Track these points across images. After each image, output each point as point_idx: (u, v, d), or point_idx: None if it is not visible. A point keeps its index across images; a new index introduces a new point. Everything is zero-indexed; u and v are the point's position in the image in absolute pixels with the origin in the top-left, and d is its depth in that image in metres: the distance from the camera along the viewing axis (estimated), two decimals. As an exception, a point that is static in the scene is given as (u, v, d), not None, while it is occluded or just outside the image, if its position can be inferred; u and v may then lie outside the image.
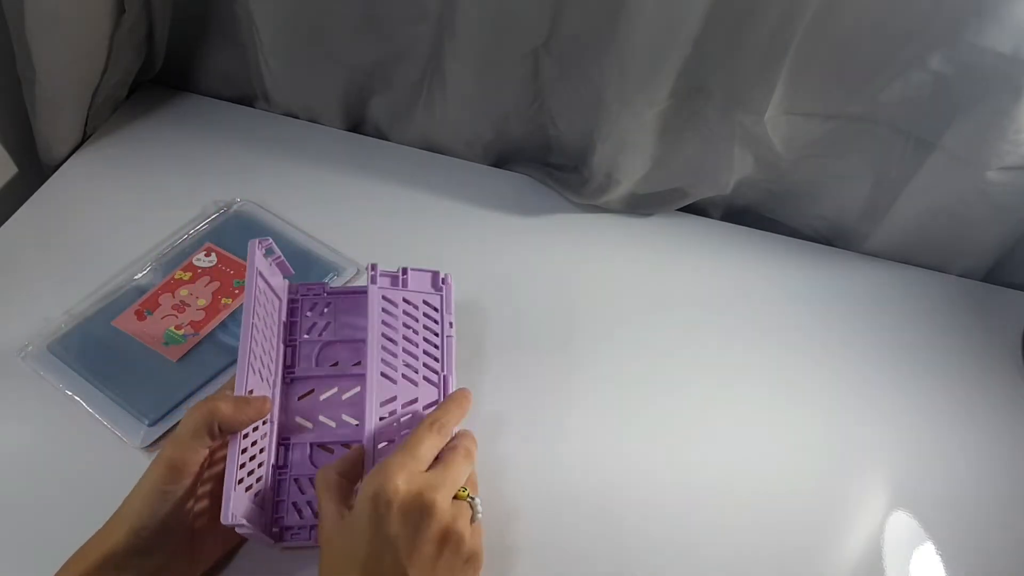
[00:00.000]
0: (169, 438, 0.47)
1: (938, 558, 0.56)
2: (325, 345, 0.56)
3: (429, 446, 0.46)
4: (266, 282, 0.54)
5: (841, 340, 0.68)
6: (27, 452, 0.55)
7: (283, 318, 0.57)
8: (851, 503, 0.58)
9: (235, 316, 0.63)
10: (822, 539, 0.56)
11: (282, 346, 0.55)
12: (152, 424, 0.56)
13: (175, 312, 0.62)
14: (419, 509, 0.43)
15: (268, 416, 0.51)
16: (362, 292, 0.56)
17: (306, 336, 0.57)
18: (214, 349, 0.61)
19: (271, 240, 0.54)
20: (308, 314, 0.57)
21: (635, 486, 0.57)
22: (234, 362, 0.59)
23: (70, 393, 0.58)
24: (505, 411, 0.60)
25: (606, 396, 0.62)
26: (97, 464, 0.55)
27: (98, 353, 0.60)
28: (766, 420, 0.62)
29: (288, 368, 0.55)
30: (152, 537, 0.45)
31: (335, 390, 0.55)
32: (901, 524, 0.57)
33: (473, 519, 0.46)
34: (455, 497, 0.46)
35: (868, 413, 0.63)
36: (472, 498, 0.46)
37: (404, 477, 0.43)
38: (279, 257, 0.55)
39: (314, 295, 0.58)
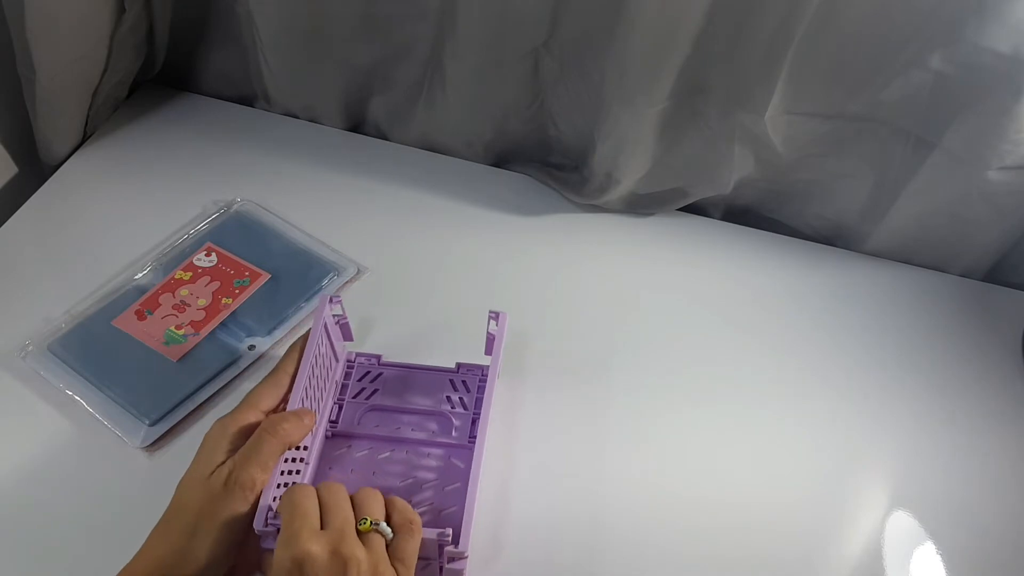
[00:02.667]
0: (243, 463, 0.46)
1: (938, 558, 0.56)
2: (369, 409, 0.58)
3: (305, 495, 0.45)
4: (329, 339, 0.56)
5: (841, 340, 0.67)
6: (27, 452, 0.55)
7: (338, 378, 0.59)
8: (851, 503, 0.58)
9: (235, 316, 0.63)
10: (822, 539, 0.56)
11: (331, 402, 0.58)
12: (152, 424, 0.56)
13: (175, 312, 0.62)
14: (340, 566, 0.42)
15: (306, 456, 0.53)
16: (414, 368, 0.59)
17: (352, 399, 0.59)
18: (214, 349, 0.61)
19: (341, 299, 0.56)
20: (359, 380, 0.60)
21: (630, 485, 0.57)
22: (233, 362, 0.60)
23: (70, 393, 0.58)
24: (503, 411, 0.60)
25: (604, 395, 0.62)
26: (97, 464, 0.55)
27: (98, 353, 0.60)
28: (765, 420, 0.62)
29: (332, 423, 0.57)
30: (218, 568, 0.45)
31: (368, 450, 0.57)
32: (901, 524, 0.57)
33: (387, 539, 0.45)
34: (359, 530, 0.44)
35: (868, 412, 0.63)
36: (376, 524, 0.45)
37: (307, 538, 0.42)
38: (344, 319, 0.57)
39: (368, 363, 0.60)
